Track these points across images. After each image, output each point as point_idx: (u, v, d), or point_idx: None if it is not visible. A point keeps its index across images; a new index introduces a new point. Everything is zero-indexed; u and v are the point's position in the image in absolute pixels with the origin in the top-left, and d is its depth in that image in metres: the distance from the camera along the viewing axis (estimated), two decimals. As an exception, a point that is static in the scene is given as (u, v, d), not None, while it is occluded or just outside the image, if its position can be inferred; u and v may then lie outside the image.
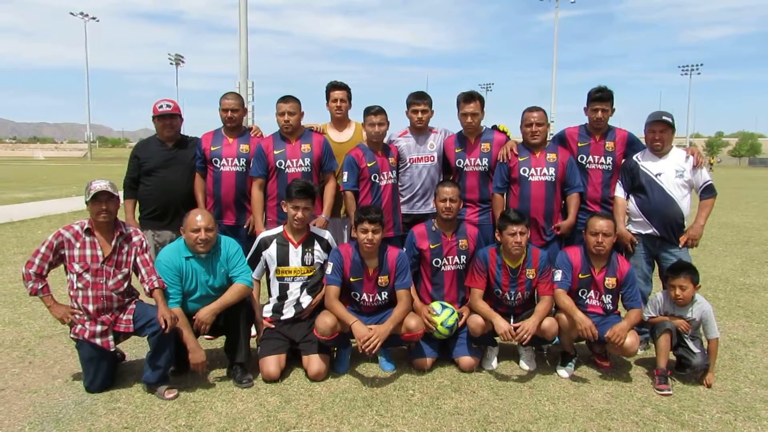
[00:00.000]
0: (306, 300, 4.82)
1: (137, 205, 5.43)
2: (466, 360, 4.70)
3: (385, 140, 5.45)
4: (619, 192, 5.15)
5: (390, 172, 5.33)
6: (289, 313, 4.81)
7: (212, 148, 5.35)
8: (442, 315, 4.66)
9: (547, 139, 5.34)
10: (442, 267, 4.93)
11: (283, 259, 4.79)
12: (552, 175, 5.12)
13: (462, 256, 4.94)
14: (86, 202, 4.15)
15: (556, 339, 4.76)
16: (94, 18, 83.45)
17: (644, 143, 5.18)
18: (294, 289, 4.82)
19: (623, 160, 5.22)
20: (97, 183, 4.14)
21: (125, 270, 4.27)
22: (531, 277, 4.75)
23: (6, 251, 9.66)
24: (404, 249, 4.96)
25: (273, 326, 4.76)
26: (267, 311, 4.86)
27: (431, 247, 4.91)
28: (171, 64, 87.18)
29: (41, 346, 5.12)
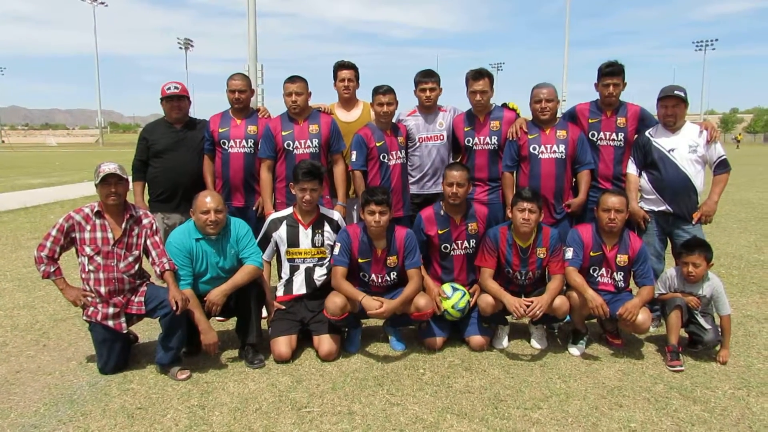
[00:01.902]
0: (320, 279, 4.82)
1: (146, 187, 5.44)
2: (477, 339, 4.69)
3: (394, 119, 5.40)
4: (632, 168, 5.09)
5: (399, 152, 5.29)
6: (301, 289, 4.83)
7: (220, 130, 5.34)
8: (453, 298, 4.65)
9: (558, 116, 5.27)
10: (452, 252, 4.91)
11: (293, 241, 4.79)
12: (562, 152, 5.06)
13: (472, 240, 4.89)
14: (96, 185, 4.16)
15: (568, 317, 4.74)
16: (102, 3, 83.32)
17: (657, 119, 5.10)
18: (304, 270, 4.83)
19: (635, 136, 5.14)
20: (106, 165, 4.15)
21: (136, 252, 4.29)
22: (542, 255, 4.71)
23: (20, 236, 9.76)
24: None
25: (284, 307, 4.77)
26: (280, 289, 4.89)
27: (440, 232, 4.86)
28: (180, 48, 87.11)
29: (55, 329, 5.18)
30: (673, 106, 4.90)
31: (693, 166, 4.88)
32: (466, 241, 4.88)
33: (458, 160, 5.52)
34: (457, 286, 4.77)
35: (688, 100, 4.94)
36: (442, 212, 4.89)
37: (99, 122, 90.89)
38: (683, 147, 4.88)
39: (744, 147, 64.87)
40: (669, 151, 4.89)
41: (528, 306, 4.40)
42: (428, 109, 5.41)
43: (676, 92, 4.89)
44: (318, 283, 4.83)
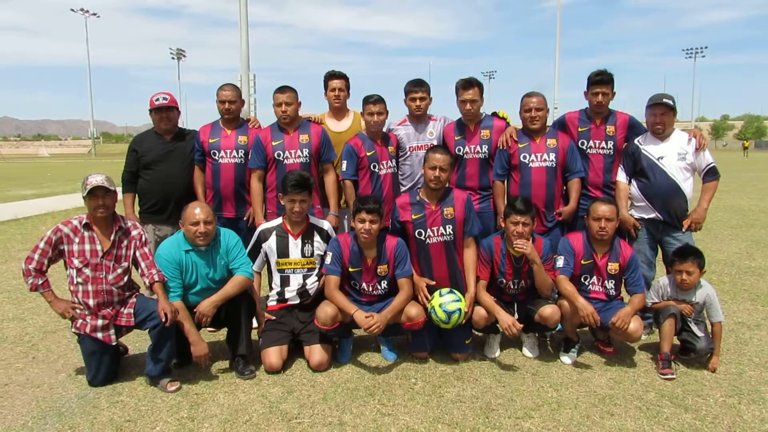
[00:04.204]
0: (312, 287, 4.81)
1: (137, 199, 5.42)
2: (455, 355, 4.71)
3: (384, 129, 5.41)
4: (621, 176, 5.11)
5: (389, 161, 5.29)
6: (294, 299, 4.81)
7: (210, 141, 5.33)
8: (445, 297, 4.52)
9: (547, 124, 5.29)
10: (428, 239, 4.75)
11: (282, 251, 4.78)
12: (552, 160, 5.07)
13: (448, 226, 4.73)
14: (83, 197, 4.14)
15: (559, 326, 4.74)
16: (95, 14, 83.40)
17: (645, 127, 5.13)
18: (295, 280, 4.81)
19: (625, 144, 5.16)
20: (94, 178, 4.13)
21: (125, 264, 4.27)
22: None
23: (10, 248, 9.71)
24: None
25: (274, 317, 4.75)
26: (271, 300, 4.87)
27: (414, 218, 4.74)
28: (173, 58, 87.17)
29: (45, 341, 5.14)
30: (661, 114, 4.93)
31: (682, 174, 4.90)
32: (442, 227, 4.72)
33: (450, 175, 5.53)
34: (456, 292, 4.60)
35: (676, 108, 4.98)
36: (417, 198, 4.79)
37: (92, 132, 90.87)
38: (672, 154, 4.90)
39: (735, 153, 65.11)
40: (658, 159, 4.92)
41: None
42: (418, 118, 5.42)
43: (664, 100, 4.93)
44: (311, 292, 4.81)
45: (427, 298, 4.63)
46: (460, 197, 4.80)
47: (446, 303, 4.50)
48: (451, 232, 4.75)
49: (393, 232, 4.82)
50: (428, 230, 4.73)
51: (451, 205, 4.75)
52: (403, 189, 5.46)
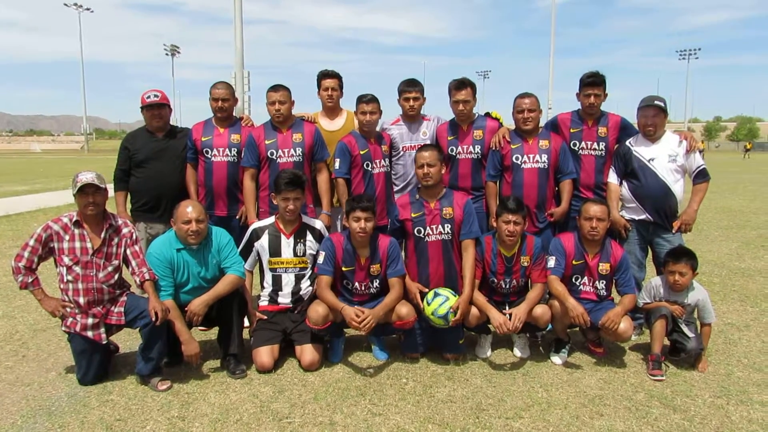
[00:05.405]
0: (306, 291, 4.82)
1: (129, 197, 5.39)
2: (448, 355, 4.72)
3: (378, 128, 5.41)
4: (613, 178, 5.14)
5: (383, 160, 5.29)
6: (287, 302, 4.81)
7: (203, 139, 5.31)
8: (433, 304, 4.52)
9: (540, 125, 5.30)
10: (426, 237, 4.75)
11: (275, 250, 4.77)
12: (545, 161, 5.09)
13: (447, 225, 4.73)
14: (73, 195, 4.12)
15: (550, 326, 4.75)
16: (88, 9, 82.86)
17: (637, 128, 5.16)
18: (287, 280, 4.82)
19: (616, 146, 5.19)
20: (84, 175, 4.11)
21: (115, 262, 4.25)
22: (525, 264, 4.72)
23: (1, 245, 9.65)
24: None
25: (266, 317, 4.75)
26: (263, 300, 4.87)
27: (413, 216, 4.75)
28: (167, 54, 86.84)
29: (35, 339, 5.12)
30: (653, 116, 4.95)
31: (672, 175, 4.93)
32: (440, 226, 4.72)
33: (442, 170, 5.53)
34: (440, 291, 4.60)
35: (667, 110, 5.01)
36: (417, 196, 4.81)
37: (84, 128, 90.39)
38: (663, 156, 4.93)
39: (727, 154, 65.28)
40: (649, 161, 4.94)
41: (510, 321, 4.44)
42: (412, 118, 5.42)
43: (655, 102, 4.95)
44: (305, 297, 4.81)
45: (419, 305, 4.62)
46: (461, 199, 4.83)
47: (436, 309, 4.49)
48: (450, 232, 4.75)
49: (392, 232, 4.83)
50: (427, 228, 4.74)
51: (450, 205, 4.76)
52: (396, 189, 5.46)
